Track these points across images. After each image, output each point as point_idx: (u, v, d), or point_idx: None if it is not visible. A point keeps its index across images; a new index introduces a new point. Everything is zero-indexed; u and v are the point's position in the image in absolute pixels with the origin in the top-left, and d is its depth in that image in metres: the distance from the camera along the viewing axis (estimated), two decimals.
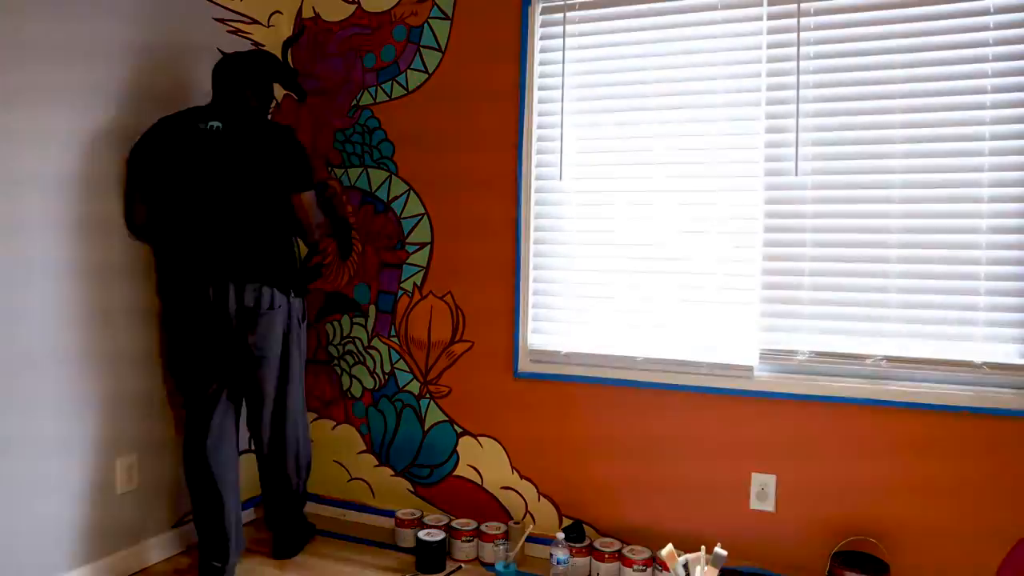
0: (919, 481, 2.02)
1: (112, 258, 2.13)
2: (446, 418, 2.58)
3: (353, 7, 2.69)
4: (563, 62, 2.37)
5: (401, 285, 2.64)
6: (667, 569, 1.83)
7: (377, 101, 2.66)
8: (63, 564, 2.03)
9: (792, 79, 2.12)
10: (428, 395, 2.61)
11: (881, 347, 2.05)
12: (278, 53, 2.77)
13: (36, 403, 1.94)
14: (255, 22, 2.65)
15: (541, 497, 2.45)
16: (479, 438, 2.54)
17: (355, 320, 2.72)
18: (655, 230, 2.30)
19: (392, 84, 2.64)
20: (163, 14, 2.27)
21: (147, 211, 2.15)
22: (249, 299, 2.10)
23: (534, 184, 2.43)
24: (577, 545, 2.26)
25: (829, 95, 2.09)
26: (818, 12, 2.10)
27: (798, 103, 2.12)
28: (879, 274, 2.06)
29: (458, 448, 2.56)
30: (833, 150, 2.10)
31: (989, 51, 1.95)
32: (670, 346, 2.28)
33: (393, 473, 2.67)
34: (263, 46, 2.68)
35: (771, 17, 2.15)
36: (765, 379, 2.16)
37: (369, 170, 2.69)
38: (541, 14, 2.41)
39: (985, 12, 1.95)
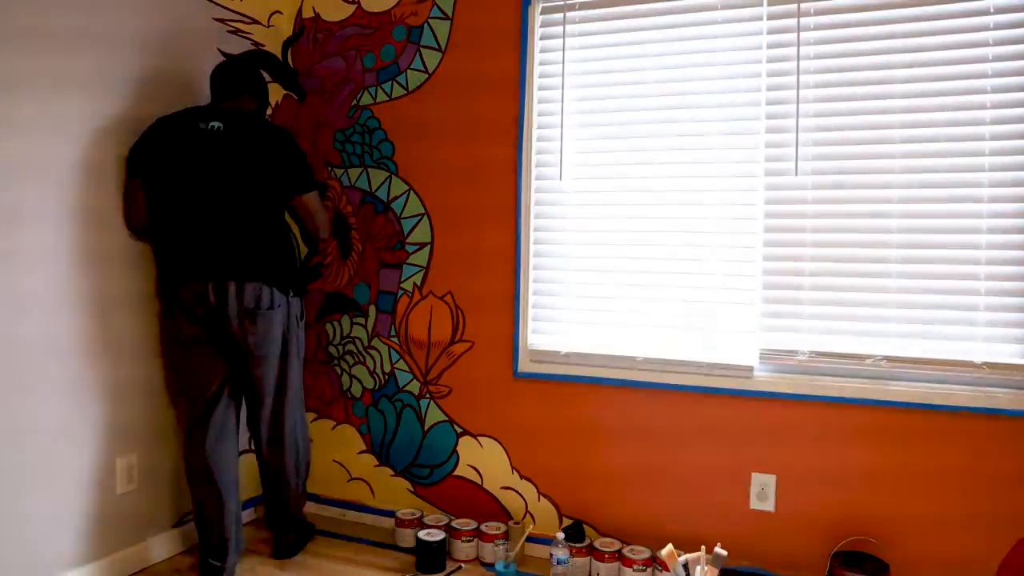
0: (919, 481, 2.02)
1: (113, 250, 2.14)
2: (446, 418, 2.58)
3: (353, 7, 2.69)
4: (563, 62, 2.38)
5: (401, 285, 2.64)
6: (667, 569, 1.83)
7: (377, 101, 2.66)
8: (63, 564, 2.03)
9: (792, 79, 2.12)
10: (428, 395, 2.61)
11: (881, 347, 2.05)
12: (278, 53, 2.77)
13: (36, 403, 1.94)
14: (255, 22, 2.65)
15: (541, 497, 2.45)
16: (479, 438, 2.54)
17: (355, 320, 2.72)
18: (655, 230, 2.30)
19: (392, 84, 2.64)
20: (163, 14, 2.27)
21: (147, 211, 2.15)
22: (249, 299, 2.10)
23: (534, 184, 2.43)
24: (577, 545, 2.26)
25: (829, 95, 2.09)
26: (818, 12, 2.10)
27: (798, 103, 2.12)
28: (879, 274, 2.06)
29: (458, 448, 2.56)
30: (833, 150, 2.10)
31: (989, 51, 1.95)
32: (670, 346, 2.28)
33: (393, 473, 2.67)
34: (263, 46, 2.68)
35: (771, 17, 2.15)
36: (765, 379, 2.16)
37: (369, 170, 2.69)
38: (541, 14, 2.42)
39: (985, 12, 1.95)
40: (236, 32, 2.56)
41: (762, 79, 2.16)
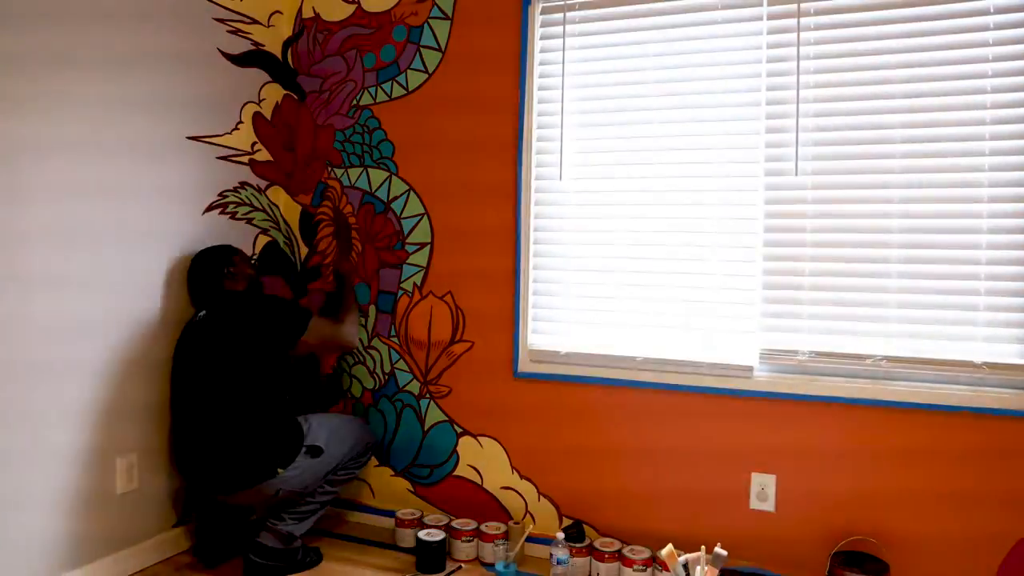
0: (919, 481, 2.02)
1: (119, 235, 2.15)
2: (446, 418, 2.58)
3: (353, 7, 2.69)
4: (563, 62, 2.37)
5: (401, 285, 2.64)
6: (667, 569, 1.83)
7: (377, 101, 2.66)
8: (63, 564, 2.03)
9: (792, 79, 2.12)
10: (428, 395, 2.61)
11: (881, 347, 2.05)
12: (278, 53, 2.77)
13: (36, 403, 1.94)
14: (255, 22, 2.65)
15: (541, 497, 2.45)
16: (479, 438, 2.54)
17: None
18: (655, 230, 2.30)
19: (392, 84, 2.64)
20: (163, 13, 2.27)
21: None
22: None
23: (534, 184, 2.43)
24: (577, 545, 2.26)
25: (829, 95, 2.09)
26: (818, 12, 2.10)
27: (798, 103, 2.12)
28: (879, 274, 2.06)
29: (458, 448, 2.56)
30: (833, 150, 2.10)
31: (989, 51, 1.95)
32: (670, 346, 2.28)
33: (393, 473, 2.67)
34: (263, 46, 2.68)
35: (771, 17, 2.15)
36: (765, 379, 2.16)
37: (369, 170, 2.69)
38: (541, 14, 2.42)
39: (985, 12, 1.95)
40: (236, 32, 2.56)
41: (762, 79, 2.16)
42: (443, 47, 2.55)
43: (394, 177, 2.64)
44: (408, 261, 2.62)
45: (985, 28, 1.95)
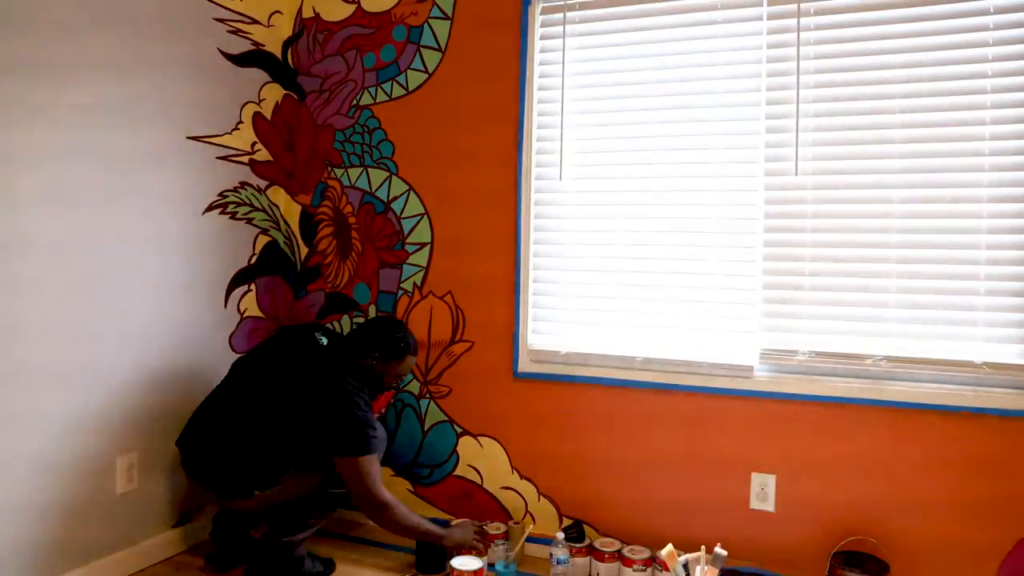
0: (919, 481, 2.02)
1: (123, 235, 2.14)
2: (446, 418, 2.58)
3: (353, 7, 2.69)
4: (563, 62, 2.37)
5: (401, 285, 2.64)
6: (667, 569, 1.83)
7: (377, 101, 2.66)
8: (63, 564, 2.03)
9: (792, 79, 2.12)
10: (428, 395, 2.61)
11: (881, 347, 2.05)
12: (278, 53, 2.77)
13: (36, 403, 1.94)
14: (255, 22, 2.65)
15: (541, 497, 2.45)
16: (479, 438, 2.54)
17: (355, 320, 2.71)
18: (655, 230, 2.30)
19: (392, 84, 2.64)
20: (163, 13, 2.27)
21: None
22: None
23: (534, 184, 2.43)
24: (577, 545, 2.26)
25: (829, 95, 2.09)
26: (818, 12, 2.10)
27: (798, 103, 2.12)
28: (879, 274, 2.06)
29: (458, 448, 2.56)
30: (833, 150, 2.10)
31: (989, 51, 1.95)
32: (670, 346, 2.28)
33: (393, 473, 2.67)
34: (263, 46, 2.68)
35: (771, 17, 2.15)
36: (765, 379, 2.16)
37: (369, 170, 2.69)
38: (541, 14, 2.42)
39: (985, 12, 1.95)
40: (236, 32, 2.56)
41: (762, 79, 2.16)
42: (443, 47, 2.55)
43: (394, 177, 2.64)
44: (408, 261, 2.62)
45: (985, 28, 1.95)
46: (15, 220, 1.87)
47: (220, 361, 2.47)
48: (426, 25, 2.57)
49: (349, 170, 2.72)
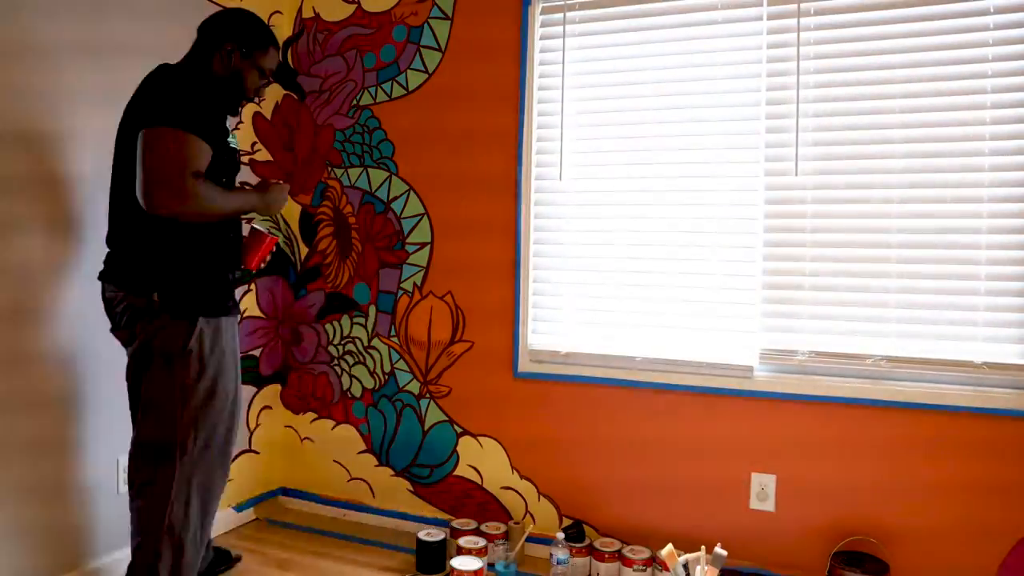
0: (919, 481, 2.02)
1: None
2: (446, 418, 2.58)
3: (353, 7, 2.69)
4: (563, 62, 2.37)
5: (401, 285, 2.64)
6: (667, 569, 1.83)
7: (377, 101, 2.66)
8: (63, 564, 2.03)
9: (792, 79, 2.12)
10: (428, 395, 2.61)
11: (881, 347, 2.05)
12: None
13: (35, 402, 1.94)
14: None
15: (541, 497, 2.45)
16: (479, 438, 2.54)
17: (355, 320, 2.72)
18: (655, 230, 2.30)
19: (392, 84, 2.64)
20: (162, 12, 2.27)
21: None
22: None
23: (534, 184, 2.43)
24: (577, 545, 2.26)
25: (829, 95, 2.09)
26: (818, 12, 2.10)
27: (798, 103, 2.12)
28: (879, 274, 2.06)
29: (458, 448, 2.56)
30: (833, 150, 2.10)
31: (989, 51, 1.95)
32: (670, 346, 2.28)
33: (393, 473, 2.67)
34: None
35: (771, 17, 2.15)
36: (765, 379, 2.16)
37: (369, 170, 2.69)
38: (541, 14, 2.42)
39: (985, 12, 1.95)
40: None
41: (762, 79, 2.16)
42: (443, 47, 2.55)
43: (394, 177, 2.65)
44: (408, 261, 2.62)
45: (985, 28, 1.95)
46: (19, 213, 1.87)
47: None
48: (426, 25, 2.57)
49: (349, 170, 2.72)
